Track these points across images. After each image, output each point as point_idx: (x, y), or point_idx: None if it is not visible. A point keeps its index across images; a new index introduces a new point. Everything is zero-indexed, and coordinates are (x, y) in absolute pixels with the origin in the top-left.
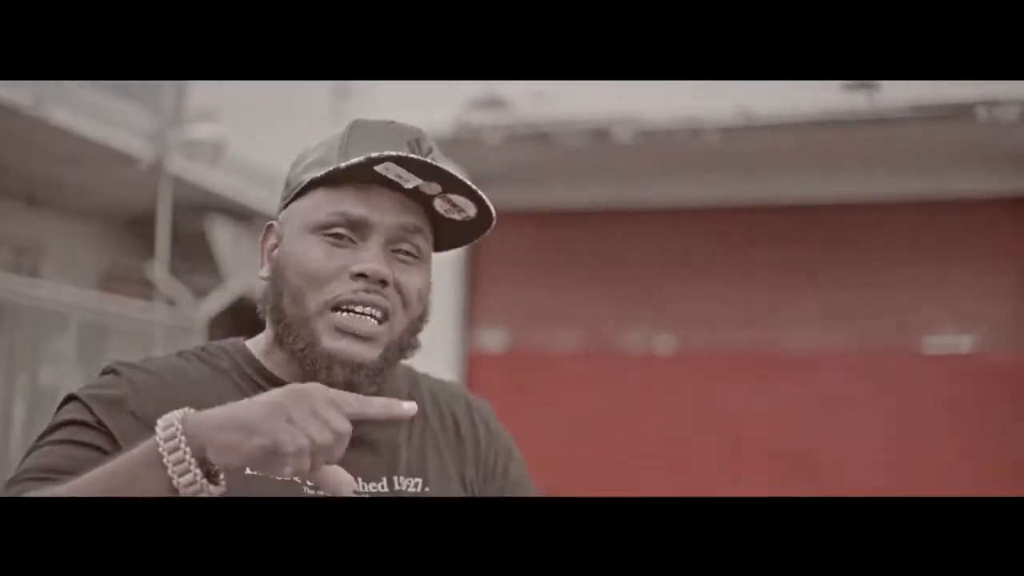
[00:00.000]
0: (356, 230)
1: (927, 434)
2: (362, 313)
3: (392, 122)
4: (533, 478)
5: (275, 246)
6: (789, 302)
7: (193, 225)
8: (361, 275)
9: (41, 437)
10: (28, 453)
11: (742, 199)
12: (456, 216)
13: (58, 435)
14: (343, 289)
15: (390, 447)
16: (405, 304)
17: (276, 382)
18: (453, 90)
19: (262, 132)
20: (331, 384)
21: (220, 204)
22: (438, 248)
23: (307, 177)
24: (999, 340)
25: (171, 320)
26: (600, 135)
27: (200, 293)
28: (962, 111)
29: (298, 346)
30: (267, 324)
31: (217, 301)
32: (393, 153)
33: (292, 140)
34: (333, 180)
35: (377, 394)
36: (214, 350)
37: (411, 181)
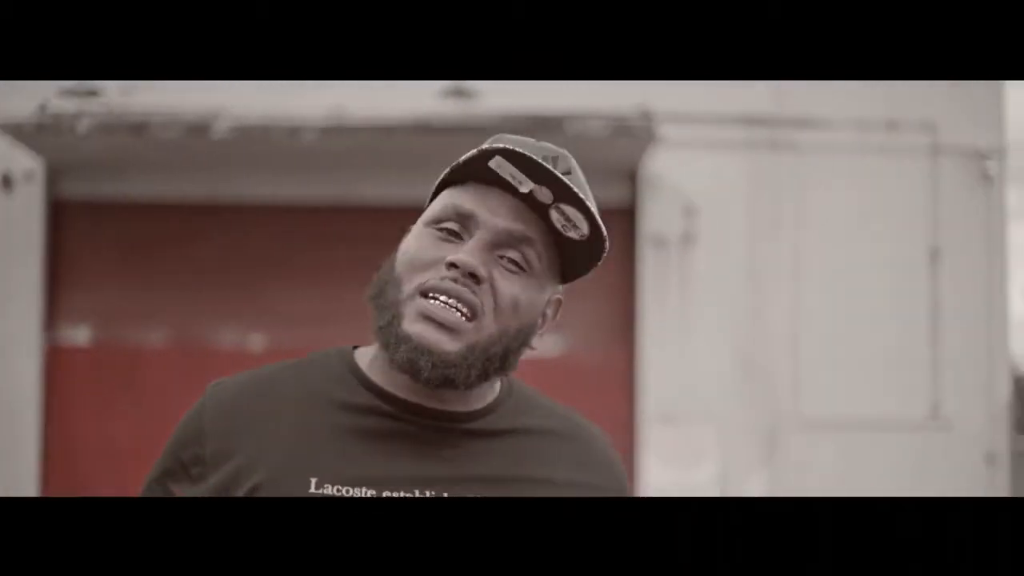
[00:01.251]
0: (465, 226)
1: None
2: (446, 303)
3: (537, 142)
4: (113, 473)
5: None
6: None
7: None
8: (453, 265)
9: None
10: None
11: (338, 199)
12: (572, 233)
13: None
14: (435, 276)
15: (487, 472)
16: (497, 309)
17: (373, 388)
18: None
19: None
20: (401, 364)
21: None
22: (564, 279)
23: (440, 180)
24: (585, 342)
25: None
26: (196, 129)
27: None
28: (552, 123)
29: (381, 323)
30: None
31: None
32: (502, 146)
33: None
34: (456, 180)
35: (462, 393)
36: (316, 357)
37: (525, 184)
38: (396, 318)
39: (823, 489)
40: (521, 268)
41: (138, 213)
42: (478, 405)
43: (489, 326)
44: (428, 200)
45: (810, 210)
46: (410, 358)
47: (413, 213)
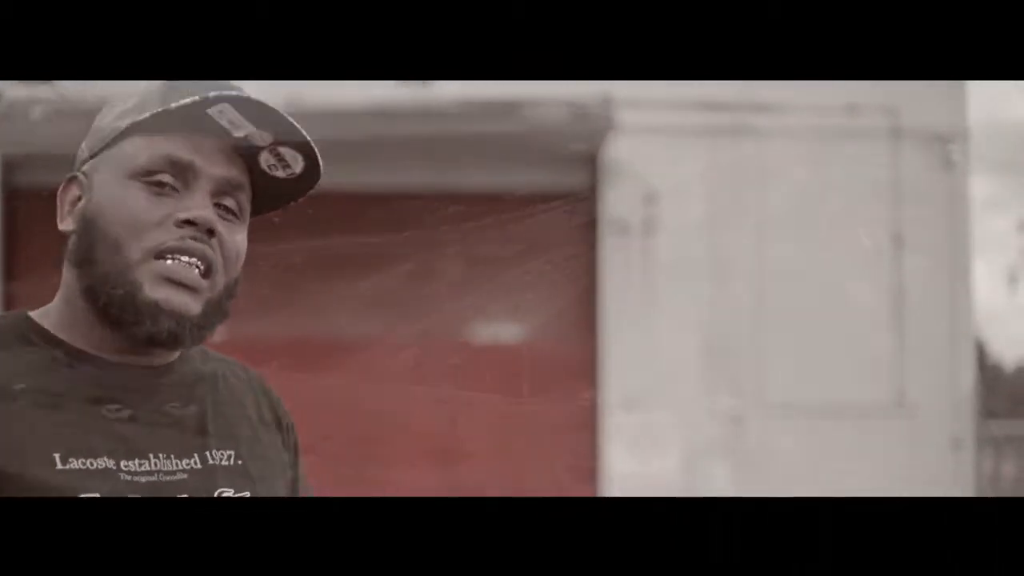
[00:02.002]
0: (181, 177)
1: (479, 426)
2: (188, 263)
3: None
4: None
5: (79, 198)
6: (344, 291)
7: None
8: (188, 222)
9: None
10: None
11: None
12: (280, 173)
13: None
14: (168, 236)
15: (196, 421)
16: (226, 261)
17: (79, 354)
18: None
19: None
20: (154, 336)
21: None
22: (253, 211)
23: (126, 122)
24: (546, 329)
25: None
26: None
27: None
28: (510, 109)
29: (117, 293)
30: (70, 281)
31: None
32: (233, 93)
33: None
34: (156, 125)
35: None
36: None
37: (242, 128)
38: (133, 286)
39: (788, 476)
40: (235, 215)
41: None
42: (174, 356)
43: (220, 281)
44: (98, 144)
45: (772, 195)
46: (170, 328)
47: (368, 199)
